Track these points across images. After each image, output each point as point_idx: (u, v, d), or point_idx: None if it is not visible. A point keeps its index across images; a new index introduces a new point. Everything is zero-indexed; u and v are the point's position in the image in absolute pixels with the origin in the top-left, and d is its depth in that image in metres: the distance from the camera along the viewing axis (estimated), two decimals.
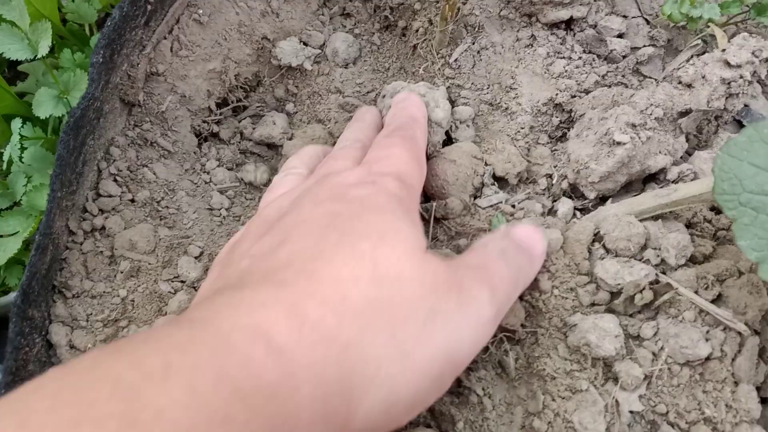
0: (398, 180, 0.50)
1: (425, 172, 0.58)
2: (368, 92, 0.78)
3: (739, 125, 0.68)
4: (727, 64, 0.62)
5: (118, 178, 0.67)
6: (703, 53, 0.67)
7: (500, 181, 0.67)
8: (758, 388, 0.57)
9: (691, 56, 0.68)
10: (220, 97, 0.77)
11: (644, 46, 0.71)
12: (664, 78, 0.68)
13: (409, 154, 0.54)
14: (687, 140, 0.65)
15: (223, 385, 0.30)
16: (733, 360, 0.53)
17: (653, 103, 0.61)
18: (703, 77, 0.62)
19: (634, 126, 0.59)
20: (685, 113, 0.63)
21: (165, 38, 0.70)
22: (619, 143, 0.58)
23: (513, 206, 0.64)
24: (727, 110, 0.65)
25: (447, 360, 0.41)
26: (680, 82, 0.62)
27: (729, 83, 0.62)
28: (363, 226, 0.43)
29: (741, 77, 0.62)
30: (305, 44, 0.78)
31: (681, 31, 0.73)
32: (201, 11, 0.72)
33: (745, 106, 0.71)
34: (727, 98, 0.63)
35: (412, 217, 0.47)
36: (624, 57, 0.71)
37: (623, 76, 0.70)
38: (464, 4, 0.73)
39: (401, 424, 0.42)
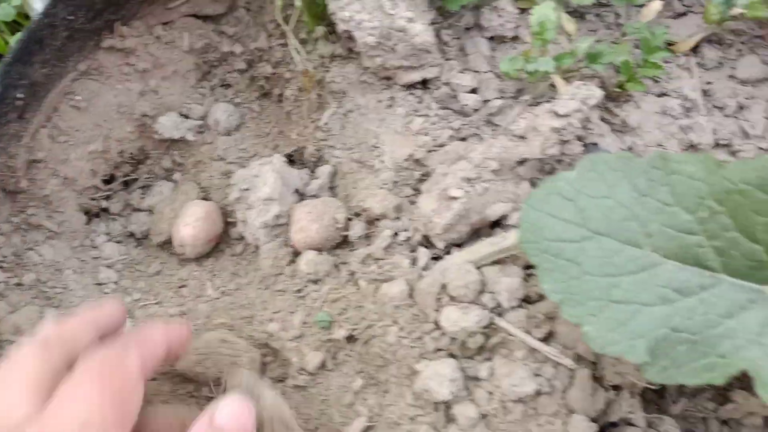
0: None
1: (136, 405, 0.44)
2: (251, 157, 0.82)
3: None
4: (556, 114, 0.67)
5: (3, 264, 0.70)
6: (537, 104, 0.72)
7: (370, 224, 0.72)
8: (603, 413, 0.62)
9: (523, 109, 0.74)
10: (106, 174, 0.81)
11: (494, 98, 0.77)
12: (502, 131, 0.73)
13: (103, 392, 0.41)
14: (532, 184, 0.70)
15: None
16: (564, 392, 0.58)
17: (488, 157, 0.66)
18: (534, 128, 0.67)
19: (469, 180, 0.65)
20: (522, 162, 0.68)
21: (43, 127, 0.74)
22: (454, 198, 0.63)
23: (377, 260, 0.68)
24: (566, 154, 0.70)
25: None
26: (515, 135, 0.68)
27: (560, 131, 0.67)
28: None
29: (570, 125, 0.67)
30: (186, 117, 0.82)
31: (532, 82, 0.79)
32: (79, 97, 0.76)
33: (594, 144, 0.77)
34: (562, 144, 0.68)
35: None
36: (476, 110, 0.76)
37: (477, 127, 0.76)
38: (326, 72, 0.78)
39: None
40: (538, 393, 0.57)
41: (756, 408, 0.69)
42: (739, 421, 0.71)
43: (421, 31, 0.70)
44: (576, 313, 0.50)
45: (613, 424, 0.65)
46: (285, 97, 0.80)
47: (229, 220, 0.78)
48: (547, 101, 0.71)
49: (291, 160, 0.83)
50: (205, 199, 0.80)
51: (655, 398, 0.71)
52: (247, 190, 0.72)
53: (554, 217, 0.52)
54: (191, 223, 0.72)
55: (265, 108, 0.84)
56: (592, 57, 0.72)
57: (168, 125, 0.80)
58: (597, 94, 0.68)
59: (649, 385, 0.69)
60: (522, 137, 0.68)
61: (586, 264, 0.50)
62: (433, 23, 0.77)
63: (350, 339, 0.64)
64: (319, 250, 0.70)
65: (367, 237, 0.72)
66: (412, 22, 0.69)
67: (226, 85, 0.85)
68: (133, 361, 0.45)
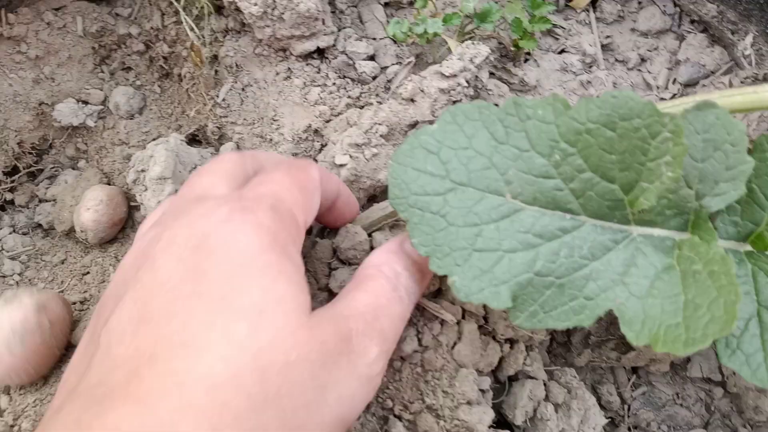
0: (273, 210, 0.42)
1: (315, 204, 0.49)
2: (155, 139, 0.81)
3: None
4: (442, 75, 0.67)
5: None
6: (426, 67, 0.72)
7: None
8: (499, 367, 0.62)
9: (410, 72, 0.73)
10: (8, 166, 0.79)
11: (392, 64, 0.76)
12: (390, 95, 0.73)
13: (292, 180, 0.46)
14: None
15: None
16: (452, 348, 0.58)
17: (377, 122, 0.66)
18: (422, 91, 0.67)
19: (357, 146, 0.64)
20: (413, 125, 0.67)
21: None
22: (341, 165, 0.63)
23: None
24: None
25: (342, 424, 0.39)
26: (404, 99, 0.67)
27: (448, 92, 0.67)
28: (235, 296, 0.36)
29: (459, 84, 0.67)
30: (85, 103, 0.81)
31: (431, 44, 0.78)
32: None
33: (495, 105, 0.77)
34: (453, 104, 0.68)
35: (290, 265, 0.40)
36: (374, 78, 0.75)
37: (376, 95, 0.75)
38: (221, 47, 0.77)
39: None
40: (425, 349, 0.56)
41: (659, 354, 0.70)
42: (646, 368, 0.71)
43: None
44: (443, 265, 0.49)
45: (514, 378, 0.65)
46: (183, 76, 0.79)
47: (133, 203, 0.77)
48: (436, 63, 0.71)
49: (197, 139, 0.82)
50: (108, 184, 0.79)
51: (562, 351, 0.71)
52: (142, 171, 0.71)
53: (419, 171, 0.51)
54: (92, 207, 0.71)
55: (166, 89, 0.83)
56: (481, 16, 0.71)
57: (66, 112, 0.79)
58: (483, 52, 0.68)
59: (546, 338, 0.70)
60: (411, 100, 0.67)
61: (451, 215, 0.50)
62: None
63: None
64: None
65: None
66: None
67: (127, 68, 0.84)
68: (315, 171, 0.50)
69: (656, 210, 0.49)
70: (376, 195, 0.68)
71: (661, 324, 0.46)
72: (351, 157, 0.63)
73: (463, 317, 0.59)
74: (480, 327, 0.60)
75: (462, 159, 0.50)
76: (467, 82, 0.67)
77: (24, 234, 0.78)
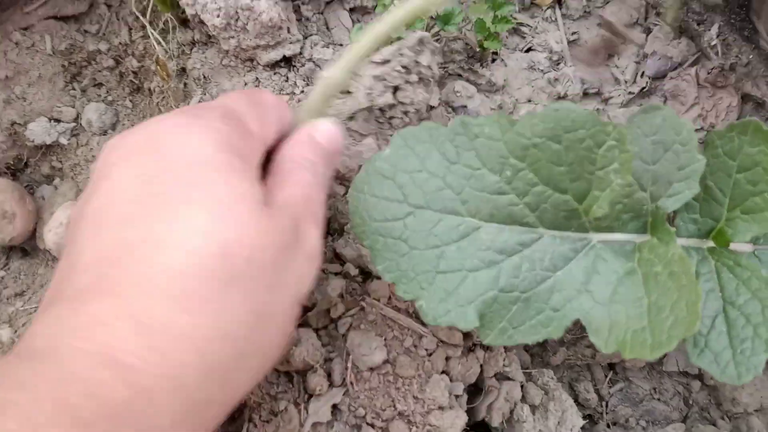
0: (224, 116, 0.44)
1: (270, 119, 0.49)
2: None
3: None
4: (374, 63, 0.67)
5: None
6: None
7: None
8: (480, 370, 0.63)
9: None
10: None
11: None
12: None
13: (243, 95, 0.49)
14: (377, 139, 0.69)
15: (62, 414, 0.30)
16: (429, 356, 0.58)
17: None
18: (355, 81, 0.67)
19: None
20: (352, 116, 0.67)
21: None
22: None
23: None
24: (402, 102, 0.69)
25: (297, 302, 0.43)
26: (341, 92, 0.67)
27: (382, 78, 0.66)
28: (196, 192, 0.38)
29: (393, 70, 0.66)
30: (58, 121, 0.81)
31: None
32: None
33: (463, 107, 0.77)
34: (394, 92, 0.67)
35: (247, 165, 0.42)
36: None
37: None
38: (188, 60, 0.77)
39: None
40: (395, 358, 0.57)
41: None
42: (623, 364, 0.72)
43: (267, 8, 0.69)
44: (408, 290, 0.49)
45: (491, 379, 0.65)
46: (152, 90, 0.79)
47: None
48: None
49: None
50: None
51: (539, 350, 0.72)
52: None
53: (377, 197, 0.51)
54: (53, 230, 0.71)
55: (137, 103, 0.83)
56: (444, 18, 0.71)
57: (38, 131, 0.79)
58: (417, 35, 0.67)
59: None
60: (347, 92, 0.67)
61: (412, 239, 0.50)
62: None
63: None
64: None
65: None
66: None
67: (98, 84, 0.84)
68: (269, 94, 0.52)
69: (612, 215, 0.50)
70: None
71: (627, 329, 0.47)
72: None
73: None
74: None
75: (417, 182, 0.50)
76: (404, 67, 0.67)
77: (3, 254, 0.78)
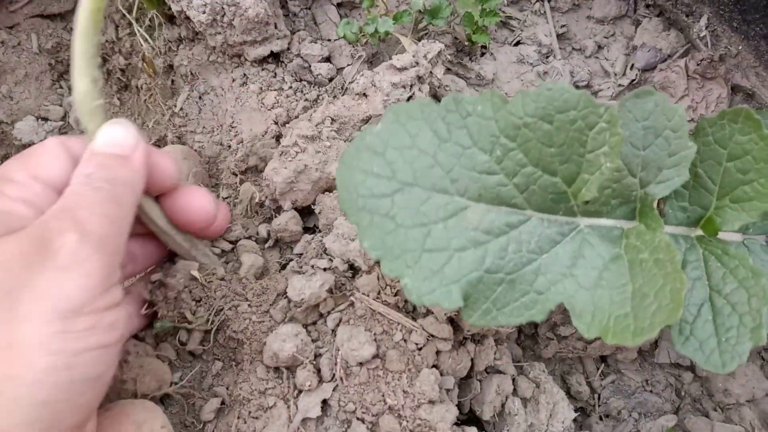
0: None
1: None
2: None
3: None
4: (395, 68, 0.67)
5: None
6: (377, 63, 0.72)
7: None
8: (470, 364, 0.62)
9: (362, 67, 0.73)
10: None
11: (348, 65, 0.76)
12: (343, 92, 0.73)
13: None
14: None
15: None
16: (420, 350, 0.58)
17: (328, 116, 0.65)
18: (374, 85, 0.66)
19: (307, 138, 0.64)
20: (367, 119, 0.67)
21: None
22: (289, 155, 0.63)
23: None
24: None
25: (62, 316, 0.40)
26: (356, 93, 0.67)
27: (401, 86, 0.67)
28: None
29: (411, 79, 0.67)
30: (45, 119, 0.81)
31: (388, 44, 0.78)
32: None
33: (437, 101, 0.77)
34: (408, 99, 0.68)
35: None
36: (330, 79, 0.75)
37: (334, 96, 0.75)
38: (175, 56, 0.76)
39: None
40: (385, 353, 0.56)
41: None
42: (614, 356, 0.72)
43: (253, 3, 0.68)
44: (394, 267, 0.49)
45: (483, 373, 0.65)
46: (140, 87, 0.79)
47: None
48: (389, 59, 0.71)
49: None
50: None
51: (530, 343, 0.71)
52: None
53: (366, 173, 0.50)
54: None
55: (125, 101, 0.82)
56: (432, 13, 0.71)
57: (26, 130, 0.79)
58: (435, 48, 0.68)
59: (514, 331, 0.70)
60: (363, 95, 0.67)
61: (399, 216, 0.49)
62: None
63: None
64: None
65: None
66: None
67: None
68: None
69: (601, 200, 0.49)
70: (329, 189, 0.67)
71: (611, 315, 0.46)
72: (301, 147, 0.63)
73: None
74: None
75: (407, 158, 0.50)
76: (420, 77, 0.67)
77: None
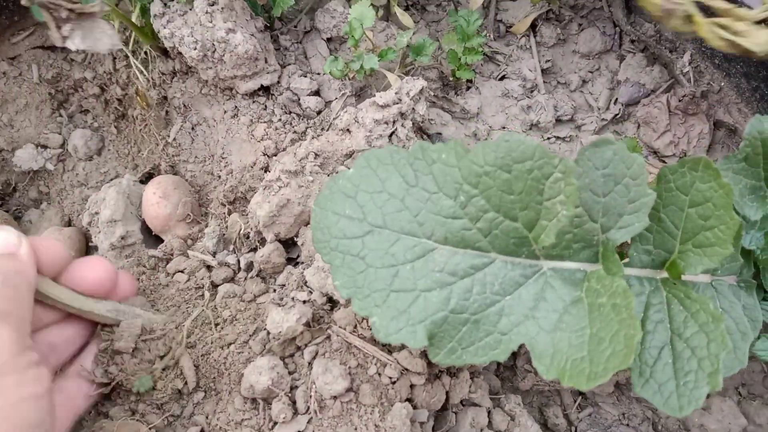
0: None
1: None
2: (113, 179, 0.83)
3: None
4: (378, 105, 0.69)
5: None
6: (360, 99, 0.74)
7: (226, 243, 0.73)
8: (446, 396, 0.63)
9: (345, 103, 0.75)
10: None
11: (336, 99, 0.78)
12: (329, 127, 0.75)
13: None
14: None
15: None
16: (393, 384, 0.59)
17: (312, 151, 0.67)
18: (357, 121, 0.69)
19: (290, 173, 0.66)
20: (350, 154, 0.69)
21: None
22: (272, 189, 0.65)
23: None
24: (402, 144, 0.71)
25: None
26: (340, 129, 0.69)
27: (383, 122, 0.68)
28: None
29: (393, 115, 0.68)
30: (44, 147, 0.84)
31: (376, 77, 0.80)
32: None
33: (439, 134, 0.78)
34: (390, 136, 0.70)
35: None
36: (318, 112, 0.77)
37: (322, 128, 0.77)
38: (169, 88, 0.79)
39: None
40: (359, 387, 0.58)
41: None
42: (592, 390, 0.72)
43: (243, 40, 0.71)
44: (363, 306, 0.51)
45: (459, 405, 0.66)
46: (135, 117, 0.82)
47: (91, 243, 0.79)
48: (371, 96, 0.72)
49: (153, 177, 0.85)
50: (69, 224, 0.81)
51: (509, 375, 0.72)
52: (96, 213, 0.74)
53: (339, 215, 0.53)
54: None
55: (122, 129, 0.85)
56: (416, 50, 0.73)
57: (25, 158, 0.81)
58: (418, 85, 0.70)
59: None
60: (347, 130, 0.69)
61: (369, 257, 0.51)
62: (267, 29, 0.78)
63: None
64: None
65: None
66: (232, 32, 0.71)
67: (84, 111, 0.86)
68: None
69: (562, 244, 0.50)
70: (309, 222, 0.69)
71: (568, 358, 0.48)
72: (284, 182, 0.65)
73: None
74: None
75: (377, 202, 0.52)
76: (402, 114, 0.69)
77: None
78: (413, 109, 0.71)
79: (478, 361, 0.50)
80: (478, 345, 0.50)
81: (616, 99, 0.80)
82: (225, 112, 0.79)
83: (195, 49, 0.71)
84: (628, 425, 0.71)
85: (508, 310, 0.50)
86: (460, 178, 0.49)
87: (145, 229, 0.75)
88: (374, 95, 0.77)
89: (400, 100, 0.69)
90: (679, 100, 0.77)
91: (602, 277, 0.49)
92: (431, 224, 0.51)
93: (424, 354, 0.61)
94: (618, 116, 0.80)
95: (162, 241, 0.73)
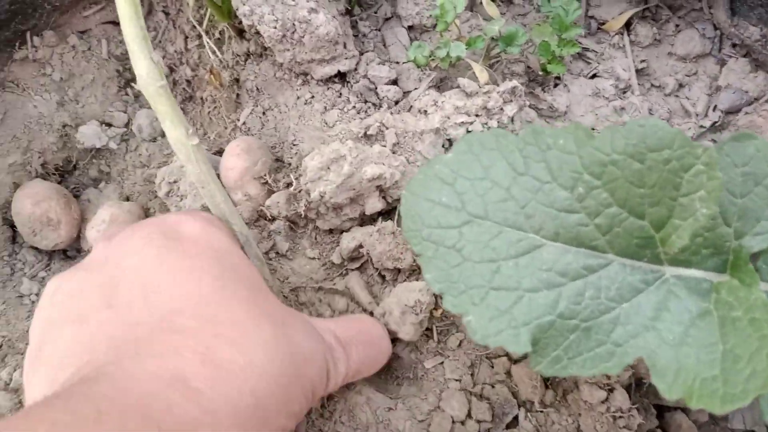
0: (210, 223, 0.53)
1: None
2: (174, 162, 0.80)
3: None
4: (464, 93, 0.64)
5: None
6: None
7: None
8: None
9: (428, 86, 0.71)
10: None
11: (415, 89, 0.74)
12: (409, 108, 0.71)
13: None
14: None
15: (149, 425, 0.34)
16: None
17: (381, 121, 0.66)
18: (436, 104, 0.65)
19: (352, 132, 0.66)
20: (420, 134, 0.65)
21: None
22: (336, 160, 0.62)
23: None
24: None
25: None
26: (417, 110, 0.66)
27: (464, 112, 0.64)
28: (227, 270, 0.48)
29: (476, 107, 0.64)
30: (109, 125, 0.81)
31: (458, 69, 0.76)
32: None
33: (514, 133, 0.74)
34: (469, 126, 0.65)
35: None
36: (396, 102, 0.73)
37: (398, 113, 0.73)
38: (242, 71, 0.76)
39: None
40: None
41: None
42: None
43: (324, 21, 0.67)
44: (457, 303, 0.46)
45: None
46: (204, 99, 0.79)
47: None
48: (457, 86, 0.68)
49: None
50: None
51: None
52: (175, 182, 0.71)
53: (433, 203, 0.48)
54: (95, 227, 0.70)
55: (188, 111, 0.82)
56: (506, 39, 0.69)
57: (89, 135, 0.79)
58: (511, 85, 0.65)
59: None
60: (423, 111, 0.65)
61: (466, 250, 0.47)
62: (347, 13, 0.75)
63: None
64: None
65: None
66: (314, 12, 0.67)
67: None
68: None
69: (691, 249, 0.45)
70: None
71: (696, 376, 0.42)
72: (341, 140, 0.62)
73: None
74: None
75: (478, 190, 0.47)
76: (487, 109, 0.65)
77: (47, 254, 0.77)
78: (501, 108, 0.66)
79: (586, 374, 0.45)
80: (587, 355, 0.45)
81: (716, 106, 0.75)
82: (298, 98, 0.75)
83: (275, 28, 0.68)
84: None
85: (624, 319, 0.45)
86: (580, 166, 0.44)
87: None
88: (455, 86, 0.74)
89: (489, 94, 0.65)
90: None
91: (735, 289, 0.44)
92: (541, 217, 0.46)
93: None
94: (717, 124, 0.74)
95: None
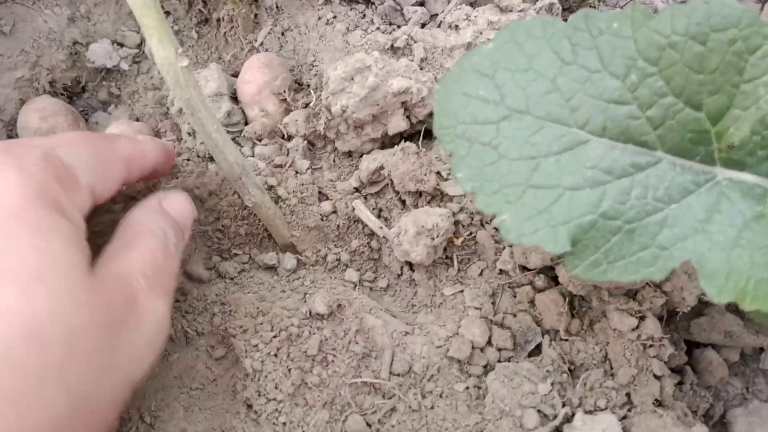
0: (45, 159, 0.38)
1: (112, 176, 0.45)
2: None
3: None
4: (499, 8, 0.61)
5: None
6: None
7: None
8: None
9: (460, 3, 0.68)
10: None
11: (442, 11, 0.70)
12: (439, 24, 0.68)
13: (85, 141, 0.44)
14: None
15: None
16: None
17: (409, 34, 0.63)
18: (468, 18, 0.62)
19: (378, 43, 0.63)
20: (451, 49, 0.62)
21: None
22: (361, 70, 0.59)
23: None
24: None
25: (130, 387, 0.38)
26: (447, 24, 0.62)
27: (498, 28, 0.61)
28: (1, 258, 0.33)
29: (509, 21, 0.61)
30: (121, 45, 0.78)
31: None
32: (2, 21, 0.72)
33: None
34: None
35: (63, 221, 0.36)
36: (423, 25, 0.70)
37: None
38: None
39: None
40: None
41: None
42: None
43: None
44: (491, 202, 0.43)
45: None
46: (221, 19, 0.75)
47: (168, 139, 0.73)
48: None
49: None
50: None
51: None
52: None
53: (469, 97, 0.45)
54: None
55: (203, 35, 0.79)
56: None
57: (100, 53, 0.76)
58: (548, 2, 0.62)
59: None
60: (455, 26, 0.62)
61: (504, 146, 0.44)
62: None
63: None
64: None
65: None
66: None
67: (166, 13, 0.80)
68: (123, 146, 0.48)
69: (747, 148, 0.42)
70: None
71: (750, 278, 0.39)
72: (366, 51, 0.59)
73: None
74: None
75: (520, 82, 0.44)
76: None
77: None
78: None
79: (627, 279, 0.42)
80: (629, 259, 0.42)
81: None
82: (319, 18, 0.72)
83: None
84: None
85: (672, 221, 0.42)
86: (635, 52, 0.41)
87: None
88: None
89: (524, 11, 0.62)
90: None
91: None
92: (587, 110, 0.43)
93: None
94: None
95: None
